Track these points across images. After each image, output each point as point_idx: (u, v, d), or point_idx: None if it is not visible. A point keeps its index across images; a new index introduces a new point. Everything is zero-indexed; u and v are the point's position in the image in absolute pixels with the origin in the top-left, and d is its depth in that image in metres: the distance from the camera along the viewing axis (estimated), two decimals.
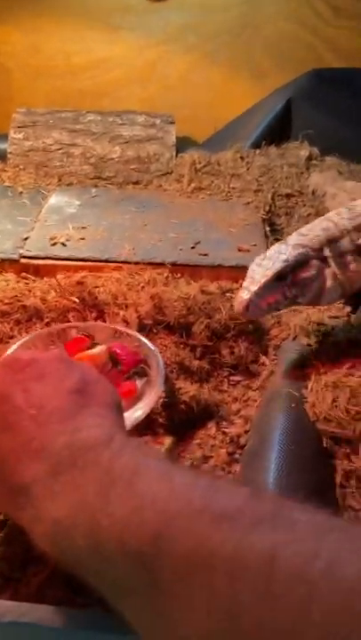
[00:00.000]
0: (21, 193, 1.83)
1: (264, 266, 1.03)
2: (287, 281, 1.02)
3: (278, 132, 2.12)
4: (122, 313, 1.32)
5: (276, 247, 1.06)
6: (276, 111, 2.12)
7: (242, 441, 1.03)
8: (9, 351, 1.08)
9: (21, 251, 1.52)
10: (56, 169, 1.94)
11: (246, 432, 1.05)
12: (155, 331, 1.23)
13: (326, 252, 1.05)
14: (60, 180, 1.91)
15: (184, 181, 1.87)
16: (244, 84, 2.27)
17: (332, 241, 1.05)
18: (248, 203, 1.80)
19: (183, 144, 2.14)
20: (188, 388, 1.12)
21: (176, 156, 2.00)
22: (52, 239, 1.55)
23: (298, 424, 0.96)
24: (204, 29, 2.21)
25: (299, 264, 1.03)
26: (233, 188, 1.86)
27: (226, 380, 1.18)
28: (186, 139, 2.25)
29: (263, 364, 1.21)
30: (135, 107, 2.12)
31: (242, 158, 2.00)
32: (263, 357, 1.23)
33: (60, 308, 1.29)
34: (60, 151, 1.96)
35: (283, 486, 0.84)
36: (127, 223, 1.65)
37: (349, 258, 1.05)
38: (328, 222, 1.08)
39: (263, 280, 1.00)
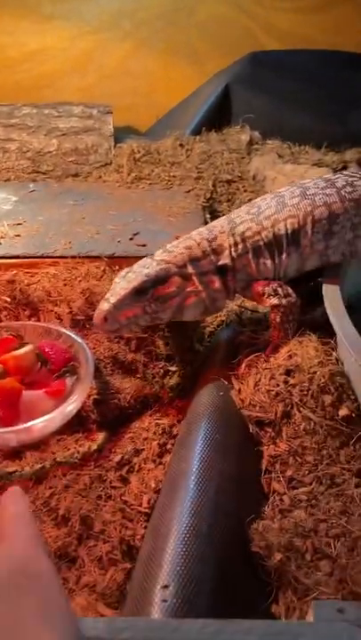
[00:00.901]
0: None
1: (127, 279, 1.04)
2: (147, 296, 1.03)
3: (218, 117, 2.11)
4: (56, 309, 1.30)
5: (142, 261, 1.08)
6: (214, 97, 2.11)
7: (174, 431, 1.03)
8: None
9: None
10: None
11: (179, 422, 1.05)
12: (88, 326, 1.22)
13: (190, 269, 1.06)
14: None
15: (124, 172, 1.85)
16: (183, 70, 2.25)
17: (194, 260, 1.06)
18: (189, 191, 1.79)
19: (124, 134, 2.11)
20: (121, 383, 1.11)
21: (115, 146, 1.97)
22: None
23: (224, 412, 0.96)
24: (139, 16, 2.17)
25: (160, 280, 1.04)
26: (173, 177, 1.85)
27: (161, 370, 1.17)
28: (127, 128, 2.23)
29: (198, 351, 1.21)
30: (74, 97, 2.09)
31: (181, 146, 1.99)
32: (198, 345, 1.23)
33: None
34: None
35: (204, 475, 0.84)
36: (65, 217, 1.63)
37: (212, 277, 1.06)
38: (191, 241, 1.09)
39: (123, 293, 1.01)
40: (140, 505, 0.90)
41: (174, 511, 0.79)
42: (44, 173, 1.90)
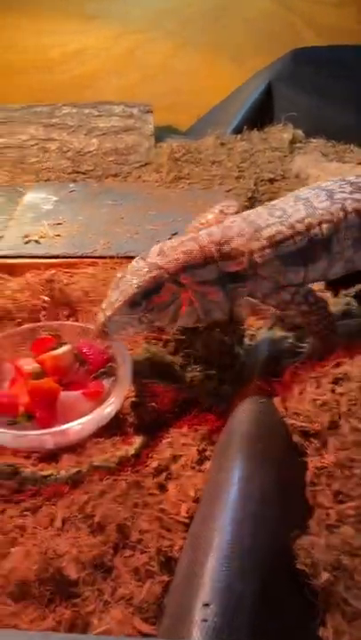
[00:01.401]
0: None
1: (120, 287, 0.98)
2: (141, 307, 0.98)
3: (260, 115, 2.06)
4: (94, 309, 1.28)
5: (134, 263, 1.02)
6: (256, 95, 2.07)
7: (214, 438, 1.00)
8: None
9: None
10: (33, 165, 1.90)
11: (219, 428, 1.01)
12: None
13: (184, 278, 0.99)
14: (37, 177, 1.87)
15: (163, 171, 1.83)
16: (226, 68, 2.21)
17: (191, 267, 0.99)
18: (229, 190, 1.75)
19: (165, 133, 2.09)
20: (159, 386, 1.08)
21: (155, 145, 1.95)
22: (25, 237, 1.51)
23: (266, 419, 0.92)
24: (182, 14, 2.15)
25: (152, 290, 0.98)
26: (214, 176, 1.81)
27: (200, 374, 1.14)
28: (168, 128, 2.20)
29: (238, 355, 1.17)
30: (115, 97, 2.07)
31: (222, 144, 1.95)
32: (238, 348, 1.19)
33: (30, 307, 1.26)
34: (36, 147, 1.92)
35: (246, 486, 0.80)
36: (104, 217, 1.61)
37: (211, 287, 1.00)
38: (193, 244, 1.01)
39: (117, 305, 0.97)
40: (179, 514, 0.86)
41: (215, 523, 0.76)
42: (83, 173, 1.89)
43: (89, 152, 1.92)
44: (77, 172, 1.89)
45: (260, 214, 1.05)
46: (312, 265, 1.02)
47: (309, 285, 1.05)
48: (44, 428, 0.94)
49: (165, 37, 2.20)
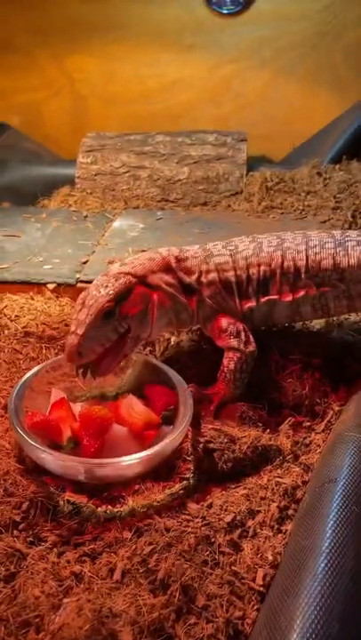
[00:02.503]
0: (86, 217, 1.80)
1: (87, 305, 0.94)
2: (114, 317, 0.94)
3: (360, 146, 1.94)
4: (173, 339, 1.21)
5: (97, 281, 0.99)
6: (357, 124, 1.96)
7: (298, 494, 0.88)
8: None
9: (78, 275, 1.46)
10: (123, 192, 1.90)
11: (305, 483, 0.89)
12: None
13: (152, 280, 1.00)
14: (126, 204, 1.87)
15: (254, 200, 1.75)
16: (325, 98, 2.12)
17: (157, 271, 1.02)
18: (325, 221, 1.64)
19: (258, 163, 2.02)
20: (239, 430, 0.98)
21: (247, 174, 1.88)
22: (109, 263, 1.48)
23: None
24: (279, 42, 2.10)
25: (122, 295, 0.96)
26: (308, 206, 1.71)
27: (287, 419, 1.02)
28: (262, 158, 2.14)
29: (331, 403, 1.04)
30: (210, 126, 2.04)
31: (319, 174, 1.85)
32: (332, 395, 1.06)
33: None
34: (128, 174, 1.91)
35: (338, 556, 0.68)
36: (189, 245, 1.55)
37: (178, 290, 1.02)
38: (155, 254, 1.04)
39: (88, 320, 0.92)
40: (254, 580, 0.75)
41: (298, 599, 0.64)
42: (172, 201, 1.86)
43: (179, 180, 1.89)
44: (166, 200, 1.87)
45: (215, 245, 1.10)
46: (247, 300, 1.06)
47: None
48: (87, 456, 0.87)
49: (261, 66, 2.16)
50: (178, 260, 1.05)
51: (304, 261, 1.06)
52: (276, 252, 1.06)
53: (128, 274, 0.99)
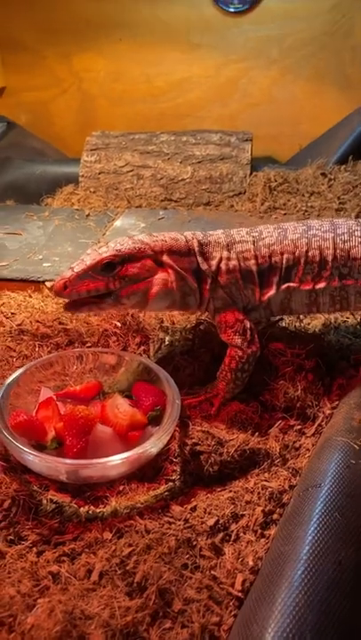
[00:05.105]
0: (88, 215, 1.79)
1: (99, 251, 0.98)
2: (114, 272, 0.97)
3: None
4: (167, 338, 1.20)
5: (120, 238, 1.02)
6: None
7: (285, 498, 0.86)
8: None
9: None
10: (126, 191, 1.89)
11: (292, 487, 0.88)
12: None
13: (167, 259, 1.00)
14: (129, 203, 1.86)
15: (257, 201, 1.74)
16: (332, 98, 2.10)
17: (175, 252, 1.00)
18: None
19: (263, 163, 2.00)
20: (227, 432, 0.97)
21: (251, 174, 1.86)
22: None
23: (350, 484, 0.78)
24: (287, 41, 2.08)
25: (131, 258, 0.98)
26: (311, 207, 1.69)
27: (278, 423, 1.00)
28: (268, 158, 2.12)
29: (323, 406, 1.03)
30: (216, 126, 2.03)
31: (324, 175, 1.83)
32: (325, 399, 1.04)
33: (100, 331, 1.21)
34: (131, 173, 1.91)
35: (316, 564, 0.66)
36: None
37: (190, 275, 1.00)
38: (180, 236, 1.03)
39: (89, 263, 0.96)
40: (233, 586, 0.74)
41: (272, 608, 0.63)
42: (175, 201, 1.85)
43: (182, 180, 1.87)
44: (169, 200, 1.85)
45: (239, 231, 1.07)
46: (268, 290, 1.03)
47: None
48: (70, 456, 0.86)
49: (269, 66, 2.14)
50: (200, 244, 1.03)
51: (331, 250, 1.02)
52: (301, 239, 1.03)
53: (147, 244, 1.00)
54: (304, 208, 1.69)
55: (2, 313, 1.34)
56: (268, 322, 1.16)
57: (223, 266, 1.03)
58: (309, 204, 1.70)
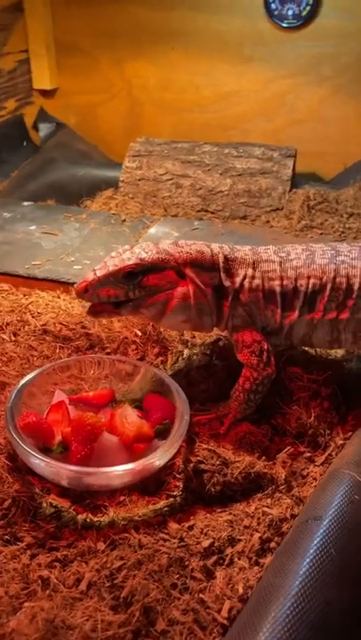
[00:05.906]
0: (124, 221, 1.81)
1: (122, 257, 0.97)
2: (135, 281, 0.96)
3: None
4: (186, 351, 1.20)
5: (145, 244, 1.01)
6: None
7: (285, 527, 0.84)
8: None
9: None
10: (164, 199, 1.90)
11: (293, 517, 0.86)
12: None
13: (189, 272, 0.98)
14: (165, 211, 1.87)
15: (294, 218, 1.71)
16: None
17: (198, 265, 0.99)
18: None
19: (305, 180, 1.98)
20: (233, 454, 0.95)
21: (291, 191, 1.84)
22: None
23: (351, 520, 0.75)
24: (339, 59, 2.04)
25: (154, 269, 0.97)
26: (349, 229, 1.66)
27: (287, 448, 0.99)
28: (311, 175, 2.10)
29: (335, 436, 1.00)
30: (260, 140, 2.02)
31: None
32: (338, 428, 1.02)
33: (121, 339, 1.21)
34: (170, 181, 1.91)
35: (304, 601, 0.64)
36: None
37: (210, 291, 0.99)
38: (207, 249, 1.02)
39: (112, 270, 0.95)
40: (219, 612, 0.72)
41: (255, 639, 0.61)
42: (211, 212, 1.85)
43: (220, 192, 1.87)
44: (205, 211, 1.85)
45: (267, 250, 1.06)
46: (290, 313, 1.01)
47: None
48: (74, 463, 0.86)
49: (319, 83, 2.11)
50: (226, 259, 1.02)
51: (359, 278, 0.99)
52: (330, 265, 1.01)
53: (171, 255, 0.99)
54: (341, 229, 1.66)
55: (29, 311, 1.36)
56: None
57: (246, 284, 1.01)
58: (347, 226, 1.67)
